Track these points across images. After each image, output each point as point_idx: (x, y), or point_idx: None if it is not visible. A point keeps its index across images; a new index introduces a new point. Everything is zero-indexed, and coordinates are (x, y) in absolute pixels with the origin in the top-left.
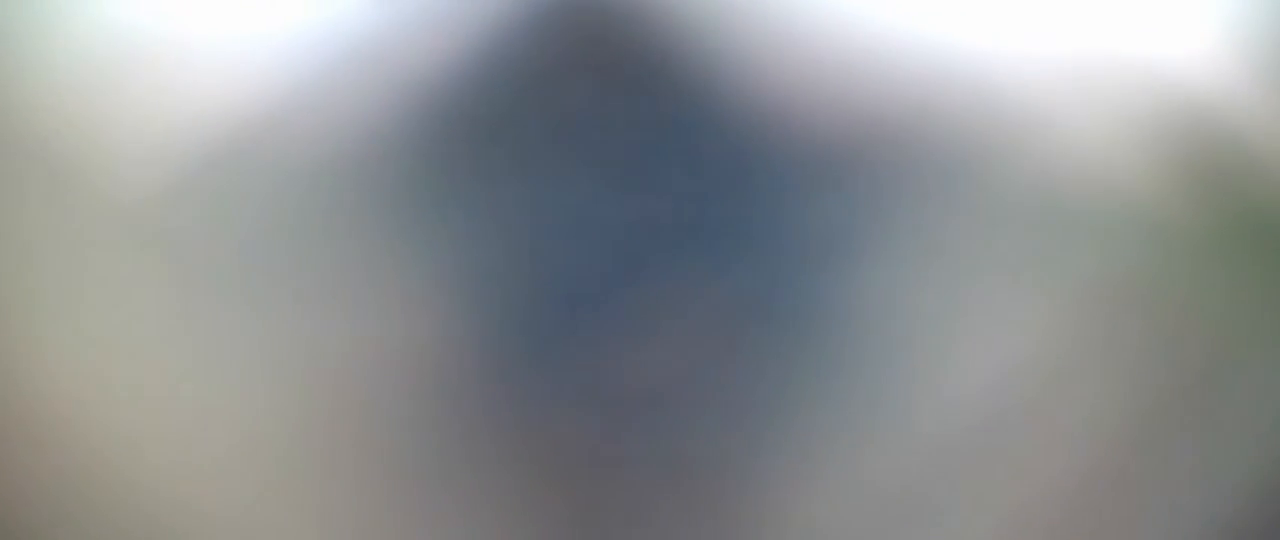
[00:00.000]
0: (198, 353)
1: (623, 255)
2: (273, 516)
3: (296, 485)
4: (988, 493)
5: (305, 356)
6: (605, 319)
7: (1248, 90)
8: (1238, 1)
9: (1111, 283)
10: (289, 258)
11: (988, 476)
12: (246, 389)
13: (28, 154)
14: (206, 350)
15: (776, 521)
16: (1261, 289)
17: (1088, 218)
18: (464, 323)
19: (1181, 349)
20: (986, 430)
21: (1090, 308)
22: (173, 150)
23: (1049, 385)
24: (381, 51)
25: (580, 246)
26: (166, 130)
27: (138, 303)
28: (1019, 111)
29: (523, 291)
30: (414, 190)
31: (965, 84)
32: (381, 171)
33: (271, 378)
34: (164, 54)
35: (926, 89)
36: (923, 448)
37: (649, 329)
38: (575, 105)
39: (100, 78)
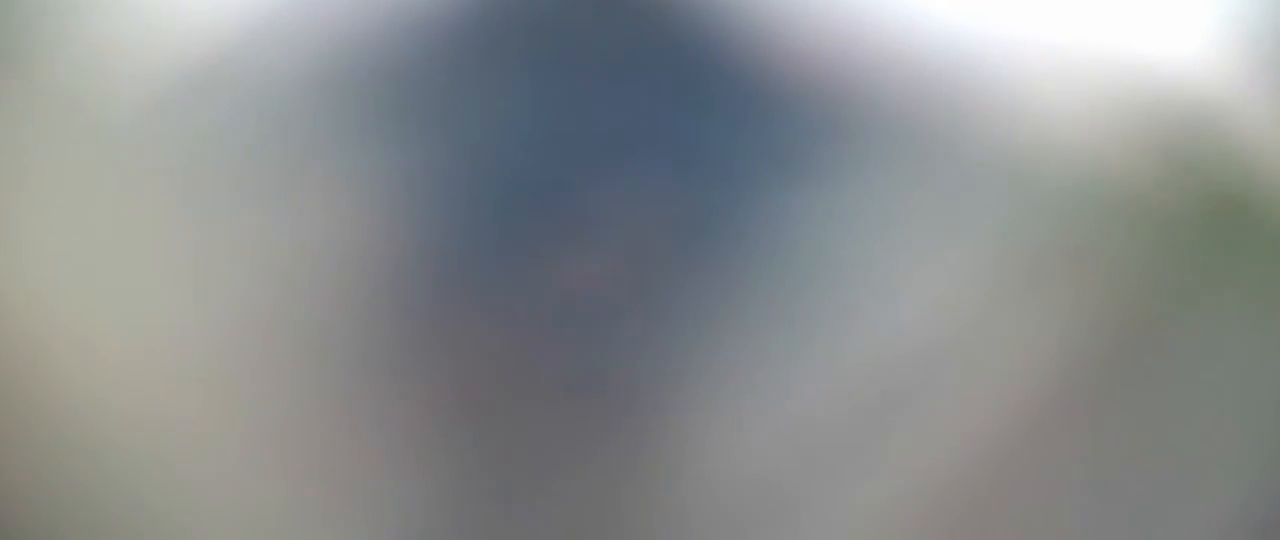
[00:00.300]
0: (151, 256)
1: (567, 162)
2: (197, 407)
3: (225, 379)
4: (903, 437)
5: (247, 256)
6: (544, 224)
7: (1224, 72)
8: None
9: (1055, 248)
10: (254, 160)
11: (905, 421)
12: (192, 288)
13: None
14: (159, 252)
15: (688, 446)
16: (1221, 270)
17: (1042, 184)
18: (402, 222)
19: (1123, 322)
20: (906, 376)
21: (1028, 269)
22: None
23: (973, 340)
24: None
25: (526, 151)
26: (140, 47)
27: (93, 211)
28: (990, 77)
29: (464, 193)
30: (364, 93)
31: (939, 41)
32: (348, 69)
33: (216, 276)
34: None
35: (900, 37)
36: (843, 386)
37: (586, 238)
38: (544, 10)
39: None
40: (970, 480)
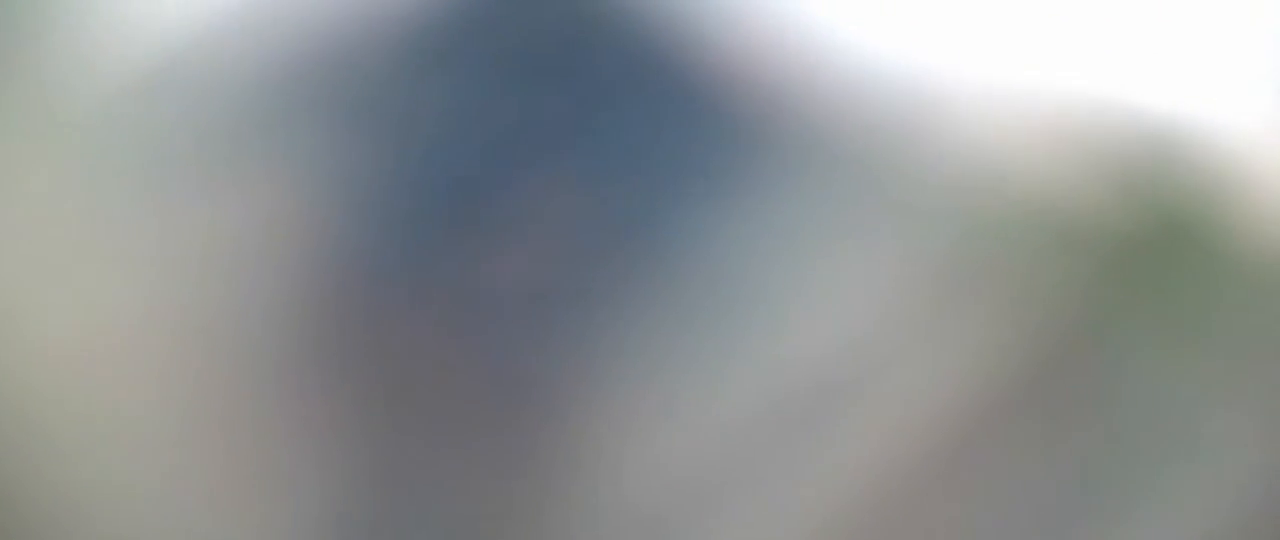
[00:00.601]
0: (101, 240)
1: (491, 159)
2: (132, 396)
3: (161, 369)
4: (823, 445)
5: (164, 250)
6: (469, 218)
7: (1169, 96)
8: (1170, 20)
9: (983, 263)
10: (189, 148)
11: (826, 430)
12: (135, 271)
13: None
14: (106, 236)
15: (608, 446)
16: (1160, 293)
17: (977, 199)
18: (327, 215)
19: (1050, 341)
20: (829, 382)
21: (956, 283)
22: (108, 56)
23: (891, 360)
24: None
25: (462, 144)
26: (103, 36)
27: (45, 203)
28: (927, 93)
29: (389, 188)
30: (310, 83)
31: (877, 56)
32: (283, 64)
33: (152, 268)
34: None
35: (838, 50)
36: (765, 391)
37: (516, 231)
38: (462, 13)
39: None
40: (890, 493)
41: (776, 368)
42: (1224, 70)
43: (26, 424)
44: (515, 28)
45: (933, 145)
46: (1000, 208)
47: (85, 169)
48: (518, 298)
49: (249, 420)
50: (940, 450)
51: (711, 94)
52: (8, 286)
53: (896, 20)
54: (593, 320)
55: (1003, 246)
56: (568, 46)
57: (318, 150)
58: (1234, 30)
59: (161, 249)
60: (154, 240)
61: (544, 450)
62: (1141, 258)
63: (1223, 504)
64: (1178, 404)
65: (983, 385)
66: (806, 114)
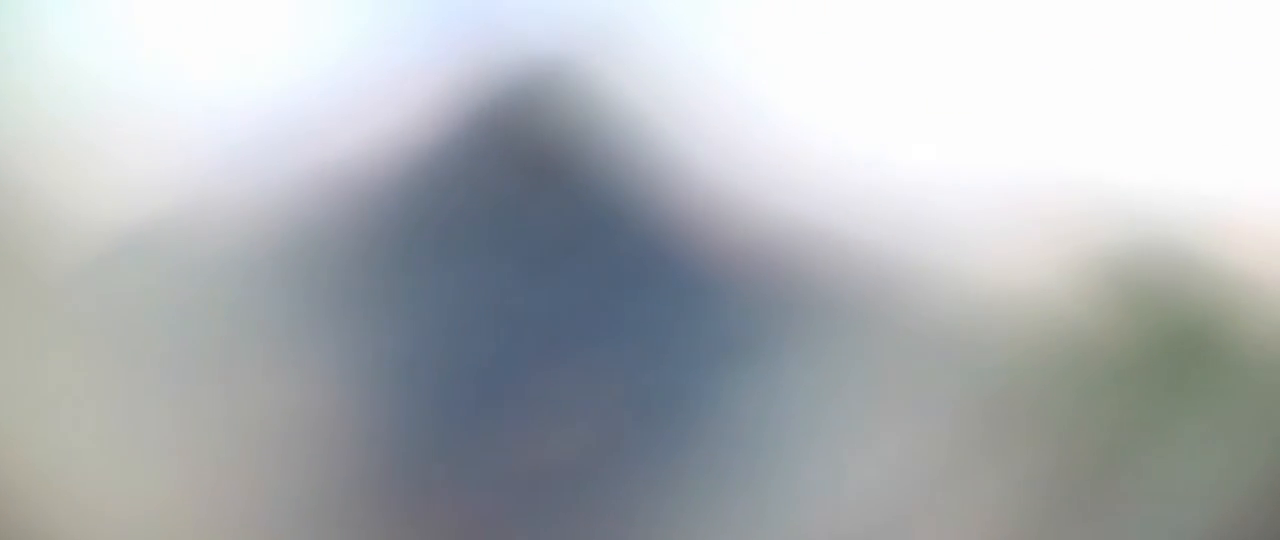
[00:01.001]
0: (115, 423)
1: (528, 344)
2: None
3: None
4: None
5: (219, 429)
6: (507, 404)
7: (1186, 215)
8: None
9: (1007, 405)
10: (209, 334)
11: None
12: (160, 459)
13: None
14: (124, 421)
15: None
16: (1180, 406)
17: (993, 342)
18: (373, 400)
19: (1079, 470)
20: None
21: (981, 430)
22: (97, 226)
23: (928, 504)
24: (311, 136)
25: (489, 333)
26: (91, 206)
27: (57, 374)
28: (945, 231)
29: (432, 373)
30: (336, 271)
31: (890, 201)
32: (305, 252)
33: (184, 449)
34: (91, 131)
35: (850, 204)
36: None
37: (548, 417)
38: (496, 197)
39: (26, 151)
40: None
41: (815, 531)
42: (1235, 168)
43: None
44: (533, 213)
45: (942, 288)
46: (1014, 343)
47: (110, 355)
48: (554, 481)
49: None
50: None
51: (725, 267)
52: (30, 474)
53: (889, 153)
54: (629, 498)
55: (1018, 381)
56: (586, 230)
57: (351, 337)
58: (1241, 127)
59: (193, 437)
60: (186, 427)
61: None
62: (1156, 372)
63: None
64: (1195, 504)
65: (1016, 513)
66: (821, 275)
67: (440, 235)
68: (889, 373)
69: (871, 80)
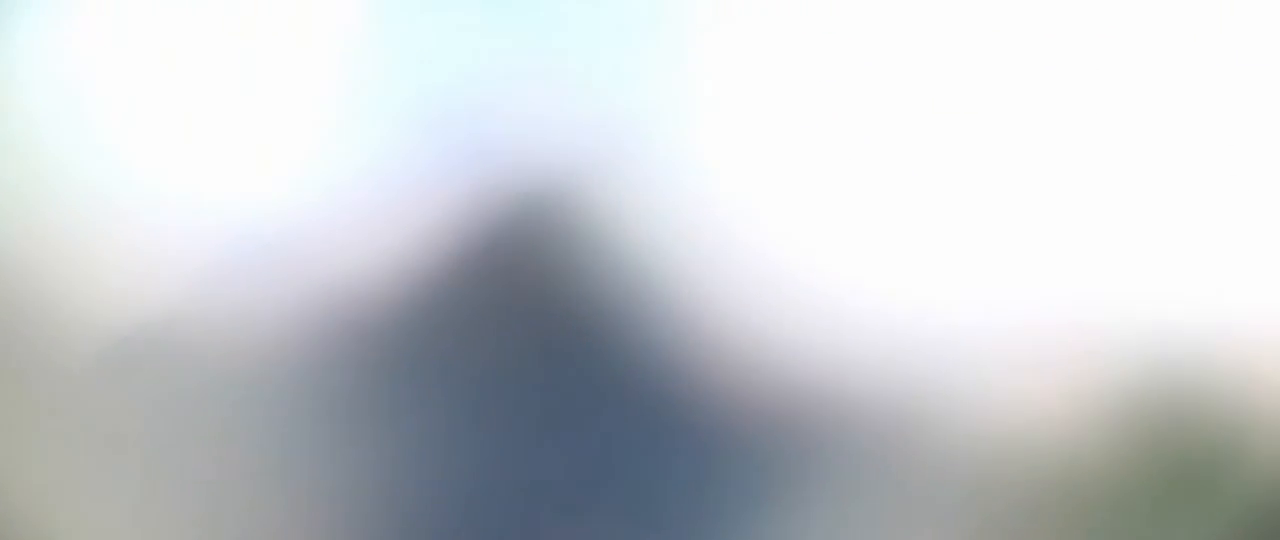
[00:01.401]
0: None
1: (528, 509)
2: None
3: None
4: None
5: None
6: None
7: (1197, 352)
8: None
9: (1026, 537)
10: (195, 447)
11: None
12: None
13: None
14: (107, 529)
15: None
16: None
17: (1012, 475)
18: (358, 527)
19: None
20: None
21: None
22: (94, 332)
23: None
24: (311, 255)
25: (485, 497)
26: (89, 311)
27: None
28: (952, 379)
29: (418, 507)
30: (328, 392)
31: (895, 351)
32: (298, 370)
33: None
34: (86, 238)
35: (853, 356)
36: None
37: None
38: (493, 355)
39: (24, 254)
40: None
41: None
42: (1247, 305)
43: None
44: (532, 378)
45: (955, 429)
46: (1028, 482)
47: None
48: None
49: None
50: None
51: (738, 420)
52: None
53: (899, 294)
54: None
55: (1031, 520)
56: (594, 389)
57: (340, 460)
58: (1252, 264)
59: None
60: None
61: None
62: (1168, 508)
63: None
64: None
65: None
66: (828, 424)
67: (436, 364)
68: (902, 517)
69: (881, 219)
